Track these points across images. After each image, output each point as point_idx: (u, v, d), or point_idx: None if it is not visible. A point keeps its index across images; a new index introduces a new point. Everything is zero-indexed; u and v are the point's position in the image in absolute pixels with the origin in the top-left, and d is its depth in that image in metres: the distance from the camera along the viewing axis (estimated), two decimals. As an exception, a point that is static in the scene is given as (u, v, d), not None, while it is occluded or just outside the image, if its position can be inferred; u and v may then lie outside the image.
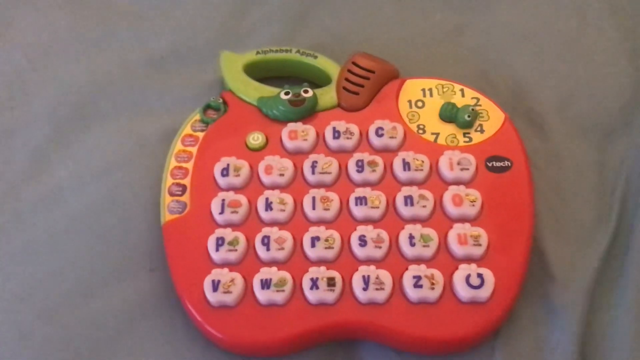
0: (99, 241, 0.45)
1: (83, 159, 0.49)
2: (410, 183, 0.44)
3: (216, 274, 0.41)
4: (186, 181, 0.45)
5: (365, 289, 0.40)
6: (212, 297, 0.40)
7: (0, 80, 0.52)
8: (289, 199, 0.43)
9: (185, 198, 0.44)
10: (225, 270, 0.41)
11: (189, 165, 0.46)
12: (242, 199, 0.43)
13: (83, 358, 0.41)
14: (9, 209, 0.46)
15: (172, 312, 0.42)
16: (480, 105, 0.46)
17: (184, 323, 0.42)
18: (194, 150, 0.46)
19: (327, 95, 0.47)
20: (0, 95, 0.51)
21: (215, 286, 0.40)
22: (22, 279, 0.44)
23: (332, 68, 0.48)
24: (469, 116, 0.45)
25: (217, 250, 0.42)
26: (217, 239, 0.42)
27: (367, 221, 0.42)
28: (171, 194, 0.45)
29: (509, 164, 0.44)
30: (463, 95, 0.47)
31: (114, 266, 0.44)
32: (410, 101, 0.47)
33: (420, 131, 0.46)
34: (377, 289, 0.40)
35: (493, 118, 0.46)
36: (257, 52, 0.50)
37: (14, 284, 0.43)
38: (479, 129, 0.46)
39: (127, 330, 0.42)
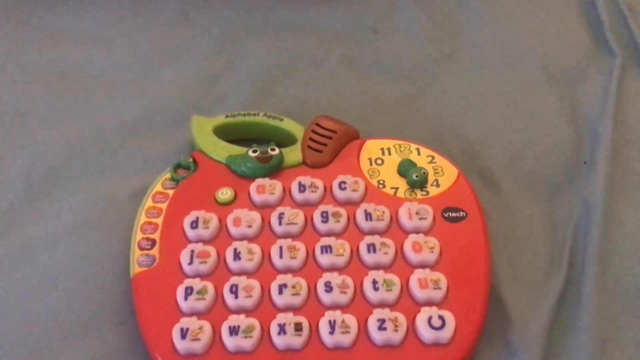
0: (67, 297, 0.45)
1: (54, 218, 0.50)
2: (372, 232, 0.46)
3: (185, 322, 0.42)
4: (156, 235, 0.46)
5: (331, 333, 0.41)
6: (181, 345, 0.41)
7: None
8: (256, 249, 0.45)
9: (155, 252, 0.45)
10: (194, 318, 0.42)
11: (159, 221, 0.47)
12: (211, 249, 0.45)
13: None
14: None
15: (140, 364, 0.42)
16: (435, 162, 0.50)
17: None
18: (164, 206, 0.48)
19: (293, 154, 0.50)
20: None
21: (184, 334, 0.41)
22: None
23: (297, 129, 0.52)
24: (417, 176, 0.48)
25: (185, 299, 0.42)
26: (186, 288, 0.43)
27: (332, 269, 0.44)
28: (141, 248, 0.46)
29: (464, 214, 0.47)
30: (419, 154, 0.50)
31: (82, 321, 0.44)
32: (370, 159, 0.50)
33: (381, 186, 0.49)
34: (343, 333, 0.41)
35: (447, 173, 0.49)
36: (227, 116, 0.53)
37: None
38: (434, 183, 0.49)
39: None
